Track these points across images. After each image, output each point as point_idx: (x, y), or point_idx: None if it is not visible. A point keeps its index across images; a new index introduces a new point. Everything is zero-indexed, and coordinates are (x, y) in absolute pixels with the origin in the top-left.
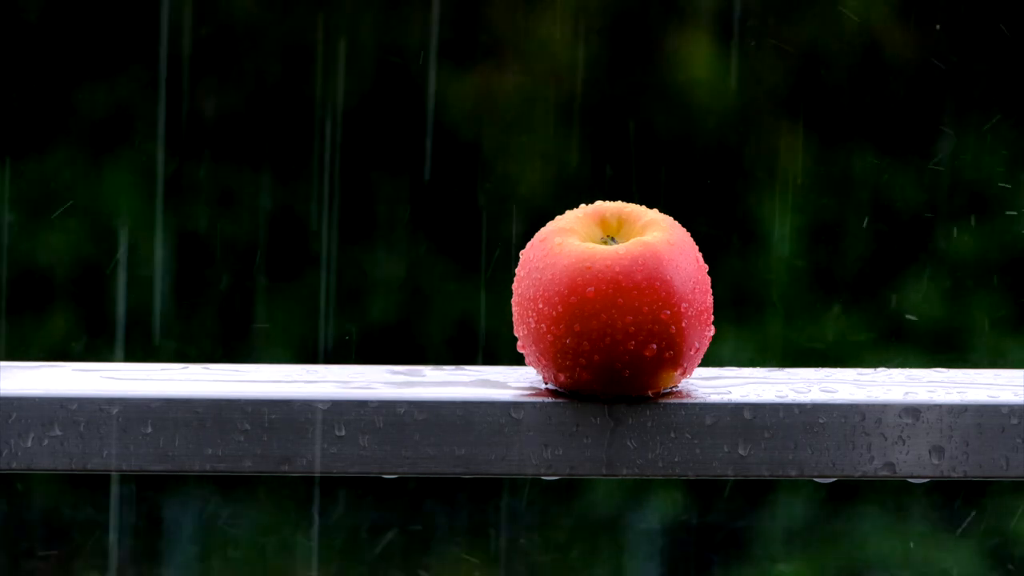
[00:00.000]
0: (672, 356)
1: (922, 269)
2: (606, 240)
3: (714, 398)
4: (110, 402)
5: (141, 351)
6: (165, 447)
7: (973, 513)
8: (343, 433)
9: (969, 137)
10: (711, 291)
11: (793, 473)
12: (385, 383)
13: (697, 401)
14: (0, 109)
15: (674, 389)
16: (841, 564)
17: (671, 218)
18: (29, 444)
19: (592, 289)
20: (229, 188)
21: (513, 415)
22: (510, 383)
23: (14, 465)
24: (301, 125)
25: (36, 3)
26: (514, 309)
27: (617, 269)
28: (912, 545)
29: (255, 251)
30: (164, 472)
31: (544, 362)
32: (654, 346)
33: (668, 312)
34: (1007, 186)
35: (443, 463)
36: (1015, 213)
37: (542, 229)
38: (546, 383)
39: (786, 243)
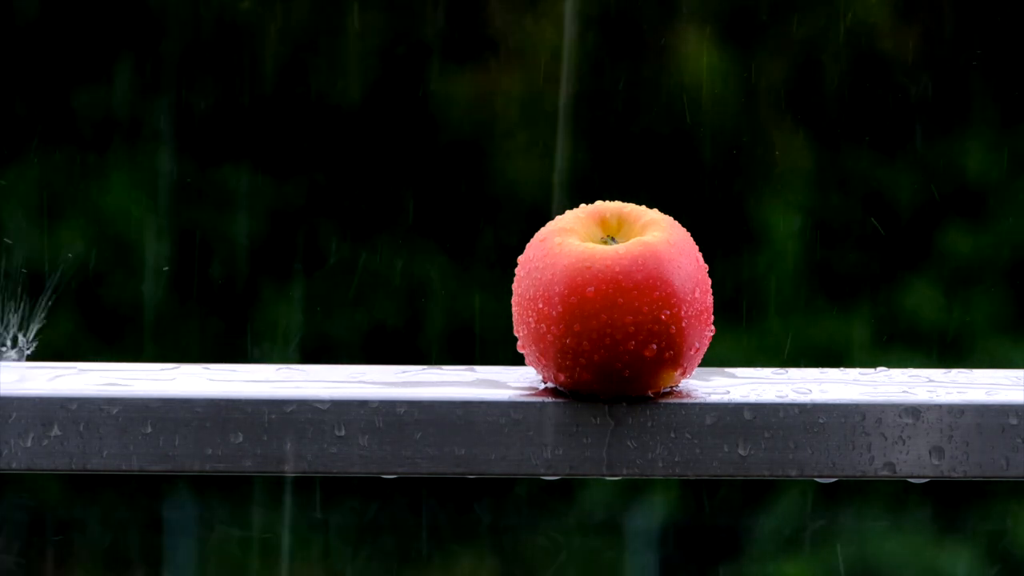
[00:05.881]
0: (672, 356)
1: (922, 269)
2: (606, 240)
3: (714, 398)
4: (110, 402)
5: (141, 351)
6: (165, 447)
7: (973, 513)
8: (343, 433)
9: (969, 137)
10: (711, 291)
11: (793, 473)
12: (385, 383)
13: (697, 401)
14: None
15: (674, 389)
16: (841, 564)
17: (671, 218)
18: (29, 444)
19: (592, 289)
20: (229, 187)
21: (513, 415)
22: (510, 383)
23: (14, 465)
24: (301, 124)
25: (34, 2)
26: (514, 309)
27: (617, 269)
28: (912, 545)
29: (255, 251)
30: (164, 472)
31: (544, 362)
32: (654, 346)
33: (668, 312)
34: (1007, 186)
35: (443, 463)
36: (1015, 213)
37: (542, 229)
38: (546, 383)
39: (786, 243)
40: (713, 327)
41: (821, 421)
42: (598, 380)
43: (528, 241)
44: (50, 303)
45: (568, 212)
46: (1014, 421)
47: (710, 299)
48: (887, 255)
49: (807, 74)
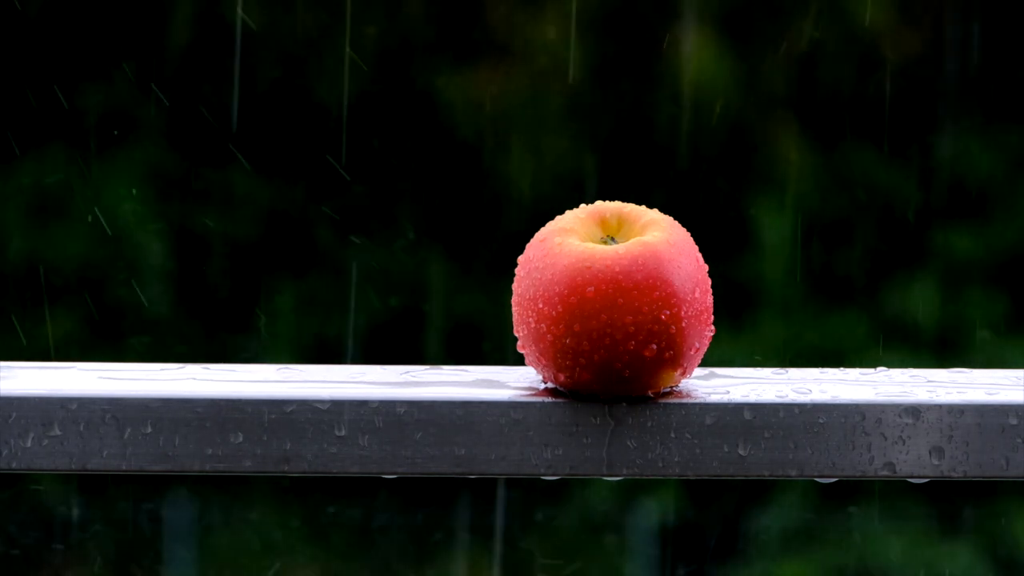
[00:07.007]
0: (672, 356)
1: (922, 269)
2: (606, 240)
3: (714, 398)
4: (110, 402)
5: (141, 351)
6: (165, 447)
7: (973, 513)
8: (343, 433)
9: (969, 137)
10: (711, 291)
11: (793, 473)
12: (385, 383)
13: (697, 401)
14: None
15: (674, 389)
16: (840, 564)
17: (671, 218)
18: (29, 444)
19: (592, 289)
20: (229, 187)
21: (513, 415)
22: (510, 383)
23: (14, 465)
24: (301, 124)
25: (34, 2)
26: (514, 309)
27: (617, 269)
28: (912, 545)
29: (255, 250)
30: (164, 472)
31: (544, 362)
32: (654, 346)
33: (668, 312)
34: (1006, 186)
35: (443, 463)
36: (1014, 213)
37: (542, 229)
38: (546, 383)
39: (785, 243)
40: (713, 327)
41: (821, 421)
42: (598, 380)
43: (528, 241)
44: (50, 303)
45: (568, 212)
46: (1014, 421)
47: (710, 299)
48: (886, 255)
49: (807, 74)
